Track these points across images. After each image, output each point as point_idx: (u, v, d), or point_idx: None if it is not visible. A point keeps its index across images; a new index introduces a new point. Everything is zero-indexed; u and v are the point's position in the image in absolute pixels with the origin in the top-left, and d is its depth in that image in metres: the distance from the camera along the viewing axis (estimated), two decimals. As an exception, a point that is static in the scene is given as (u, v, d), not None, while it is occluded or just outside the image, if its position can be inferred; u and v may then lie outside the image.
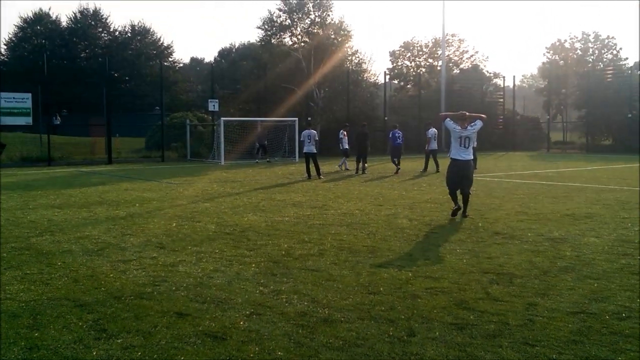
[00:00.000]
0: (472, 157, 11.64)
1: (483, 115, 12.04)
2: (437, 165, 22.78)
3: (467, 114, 11.84)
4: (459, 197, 11.62)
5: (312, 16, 40.14)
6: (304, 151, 21.19)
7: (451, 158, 11.64)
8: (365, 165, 23.24)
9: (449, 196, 11.86)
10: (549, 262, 7.70)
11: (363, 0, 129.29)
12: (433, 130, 23.46)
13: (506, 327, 5.27)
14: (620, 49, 56.08)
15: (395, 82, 57.63)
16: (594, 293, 6.28)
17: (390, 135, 24.02)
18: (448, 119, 11.91)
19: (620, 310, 5.71)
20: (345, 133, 24.95)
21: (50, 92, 36.69)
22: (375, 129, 38.89)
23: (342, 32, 40.75)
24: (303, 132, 21.61)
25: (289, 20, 40.27)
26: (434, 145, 23.45)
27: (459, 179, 11.55)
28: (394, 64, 58.84)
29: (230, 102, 40.31)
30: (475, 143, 25.37)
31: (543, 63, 57.59)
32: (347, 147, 24.77)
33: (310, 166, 20.68)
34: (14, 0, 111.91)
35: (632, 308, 5.76)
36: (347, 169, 24.27)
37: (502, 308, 5.79)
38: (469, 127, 11.53)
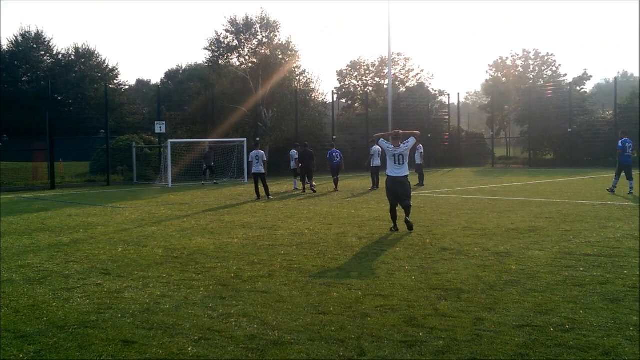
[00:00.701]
0: (406, 174, 12.08)
1: (417, 132, 12.64)
2: (377, 183, 23.36)
3: (401, 132, 12.47)
4: (400, 214, 12.13)
5: (260, 36, 40.27)
6: (252, 172, 21.10)
7: (387, 175, 12.22)
8: (313, 184, 23.33)
9: (389, 214, 12.40)
10: (495, 276, 7.83)
11: (312, 15, 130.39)
12: (375, 148, 23.88)
13: (455, 342, 5.32)
14: (560, 65, 57.72)
15: (343, 101, 58.22)
16: (538, 306, 6.40)
17: (328, 156, 24.39)
18: (382, 139, 12.59)
19: (564, 322, 5.83)
20: (297, 152, 24.98)
21: (-10, 116, 35.70)
22: (324, 147, 39.08)
23: (289, 52, 40.97)
24: (251, 153, 21.50)
25: (236, 41, 40.28)
26: (377, 162, 23.88)
27: (397, 194, 12.06)
28: (342, 83, 59.50)
29: (177, 124, 39.95)
30: (422, 161, 25.93)
31: (486, 80, 59.07)
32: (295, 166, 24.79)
33: (260, 186, 20.61)
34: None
35: (576, 320, 5.89)
36: (297, 188, 24.32)
37: (450, 324, 5.84)
38: (402, 145, 12.03)
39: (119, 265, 9.14)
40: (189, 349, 5.30)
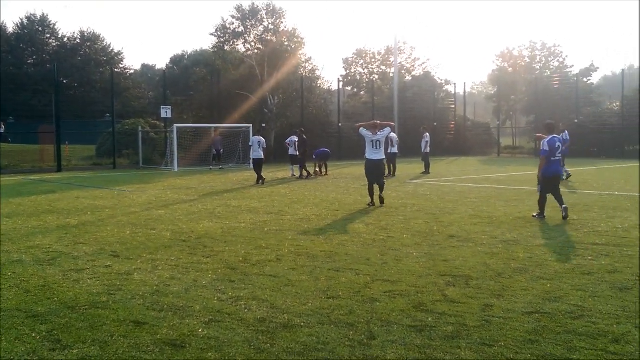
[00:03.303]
0: (382, 157, 14.23)
1: (392, 123, 15.39)
2: (393, 171, 23.49)
3: (379, 122, 14.54)
4: (376, 190, 14.14)
5: (266, 23, 40.15)
6: (252, 157, 21.47)
7: (366, 158, 14.21)
8: (309, 171, 23.69)
9: (367, 191, 14.31)
10: (503, 263, 7.84)
11: (318, 3, 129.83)
12: (392, 135, 23.75)
13: (464, 328, 5.34)
14: (566, 56, 57.50)
15: (349, 88, 58.05)
16: (547, 293, 6.42)
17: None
18: (362, 128, 14.43)
19: (573, 309, 5.84)
20: (297, 138, 24.84)
21: (-4, 99, 35.68)
22: (330, 135, 39.17)
23: (295, 39, 40.87)
24: (252, 138, 22.05)
25: (242, 27, 40.17)
26: (394, 149, 23.73)
27: (373, 174, 14.11)
28: (347, 71, 59.32)
29: (183, 109, 39.97)
30: (429, 149, 25.99)
31: (493, 70, 58.88)
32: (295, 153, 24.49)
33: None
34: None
35: (585, 307, 5.90)
36: (294, 175, 24.17)
37: (459, 310, 5.86)
38: (379, 133, 14.02)
39: (128, 248, 9.18)
40: (200, 330, 5.33)
